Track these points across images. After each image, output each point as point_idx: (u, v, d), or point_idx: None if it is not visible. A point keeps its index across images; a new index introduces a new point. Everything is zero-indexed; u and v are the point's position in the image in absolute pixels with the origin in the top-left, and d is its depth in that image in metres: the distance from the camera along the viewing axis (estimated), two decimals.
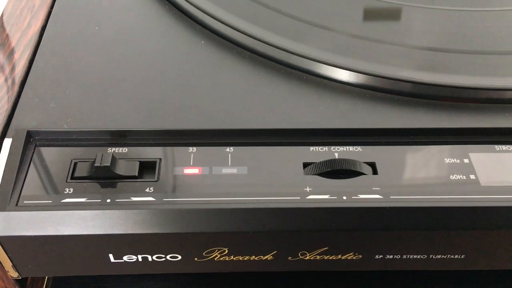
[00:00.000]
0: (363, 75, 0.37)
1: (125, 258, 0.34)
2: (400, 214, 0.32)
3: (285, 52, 0.39)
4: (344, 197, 0.32)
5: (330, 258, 0.34)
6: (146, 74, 0.39)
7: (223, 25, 0.42)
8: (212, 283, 0.44)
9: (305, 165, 0.34)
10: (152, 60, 0.40)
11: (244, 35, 0.41)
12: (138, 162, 0.33)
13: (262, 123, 0.35)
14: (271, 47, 0.40)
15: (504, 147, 0.35)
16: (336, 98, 0.37)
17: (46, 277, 0.43)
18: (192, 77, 0.39)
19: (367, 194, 0.32)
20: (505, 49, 0.40)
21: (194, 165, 0.34)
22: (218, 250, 0.33)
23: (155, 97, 0.37)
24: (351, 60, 0.38)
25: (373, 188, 0.32)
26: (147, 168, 0.34)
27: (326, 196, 0.32)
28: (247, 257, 0.34)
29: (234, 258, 0.34)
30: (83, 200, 0.32)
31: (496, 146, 0.35)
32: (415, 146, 0.35)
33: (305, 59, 0.39)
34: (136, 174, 0.33)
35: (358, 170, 0.33)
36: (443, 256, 0.34)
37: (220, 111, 0.36)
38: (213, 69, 0.39)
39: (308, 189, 0.32)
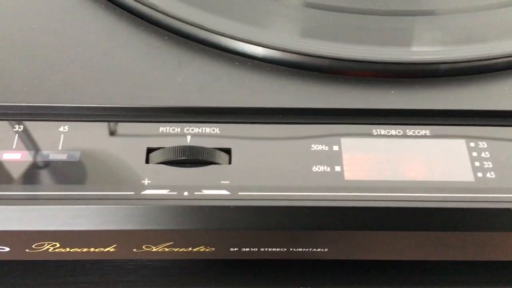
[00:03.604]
0: (230, 39, 0.32)
1: None
2: (247, 214, 0.28)
3: (146, 7, 0.33)
4: (186, 193, 0.28)
5: (180, 250, 0.31)
6: None
7: None
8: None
9: (150, 150, 0.29)
10: None
11: None
12: None
13: (104, 98, 0.30)
14: None
15: (383, 130, 0.31)
16: (197, 67, 0.32)
17: None
18: (28, 30, 0.32)
19: (213, 190, 0.28)
20: (399, 8, 0.34)
21: (17, 149, 0.29)
22: (49, 243, 0.29)
23: None
24: (220, 20, 0.32)
25: (222, 182, 0.28)
26: None
27: (165, 191, 0.28)
28: (85, 249, 0.30)
29: (71, 250, 0.30)
30: None
31: (374, 130, 0.31)
32: (281, 129, 0.30)
33: (160, 14, 0.33)
34: None
35: (208, 159, 0.29)
36: (304, 249, 0.31)
37: (56, 80, 0.30)
38: (60, 20, 0.33)
39: (146, 181, 0.28)
